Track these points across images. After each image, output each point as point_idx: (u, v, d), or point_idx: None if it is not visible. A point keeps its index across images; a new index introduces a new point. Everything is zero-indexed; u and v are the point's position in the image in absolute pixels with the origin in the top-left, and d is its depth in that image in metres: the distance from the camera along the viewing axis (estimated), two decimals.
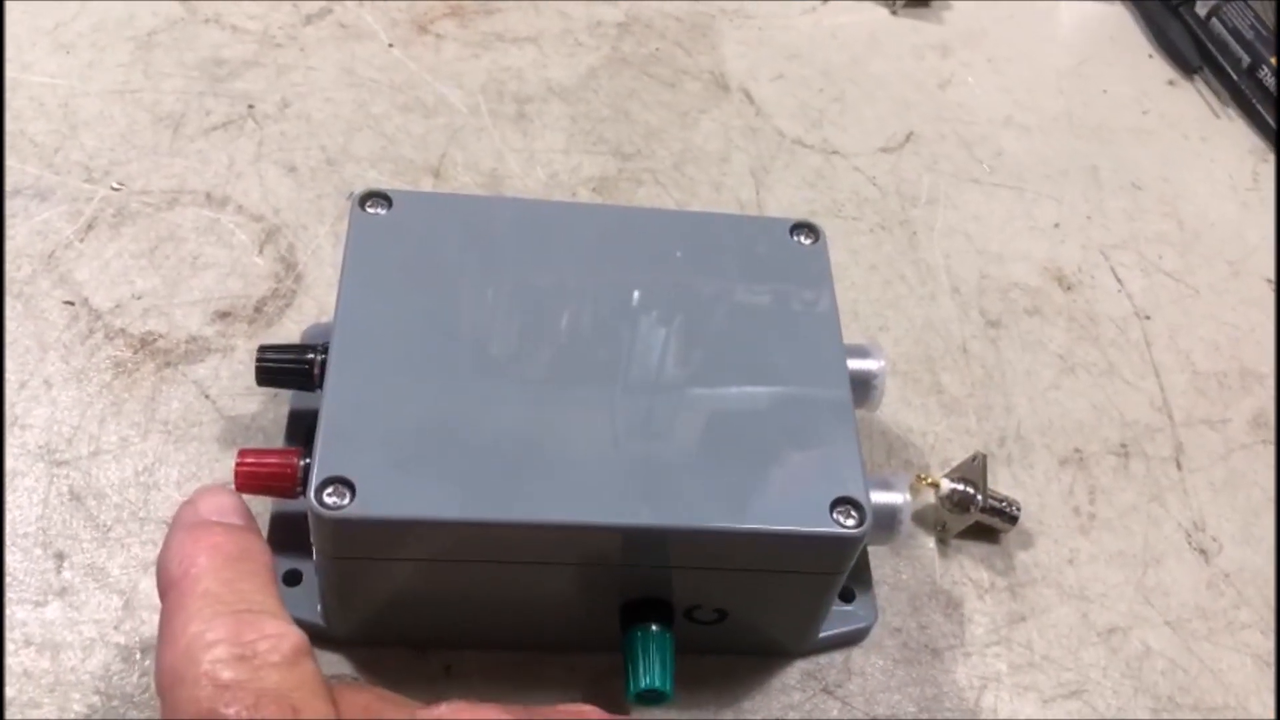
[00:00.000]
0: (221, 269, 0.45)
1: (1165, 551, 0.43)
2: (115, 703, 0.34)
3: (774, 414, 0.34)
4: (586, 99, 0.53)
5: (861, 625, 0.38)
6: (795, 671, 0.38)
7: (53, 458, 0.39)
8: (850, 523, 0.32)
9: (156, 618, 0.35)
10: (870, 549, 0.40)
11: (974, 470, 0.41)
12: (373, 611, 0.35)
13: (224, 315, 0.43)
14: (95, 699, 0.34)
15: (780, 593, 0.35)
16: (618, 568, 0.33)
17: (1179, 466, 0.45)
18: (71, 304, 0.43)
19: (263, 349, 0.37)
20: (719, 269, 0.38)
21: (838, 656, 0.38)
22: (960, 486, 0.41)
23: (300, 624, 0.35)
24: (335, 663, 0.36)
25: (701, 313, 0.36)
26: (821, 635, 0.38)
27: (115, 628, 0.36)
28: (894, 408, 0.45)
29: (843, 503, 0.32)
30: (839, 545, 0.32)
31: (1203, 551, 0.43)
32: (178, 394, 0.41)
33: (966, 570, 0.41)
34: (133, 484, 0.39)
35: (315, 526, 0.31)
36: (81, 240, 0.45)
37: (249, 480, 0.34)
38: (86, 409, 0.40)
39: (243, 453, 0.34)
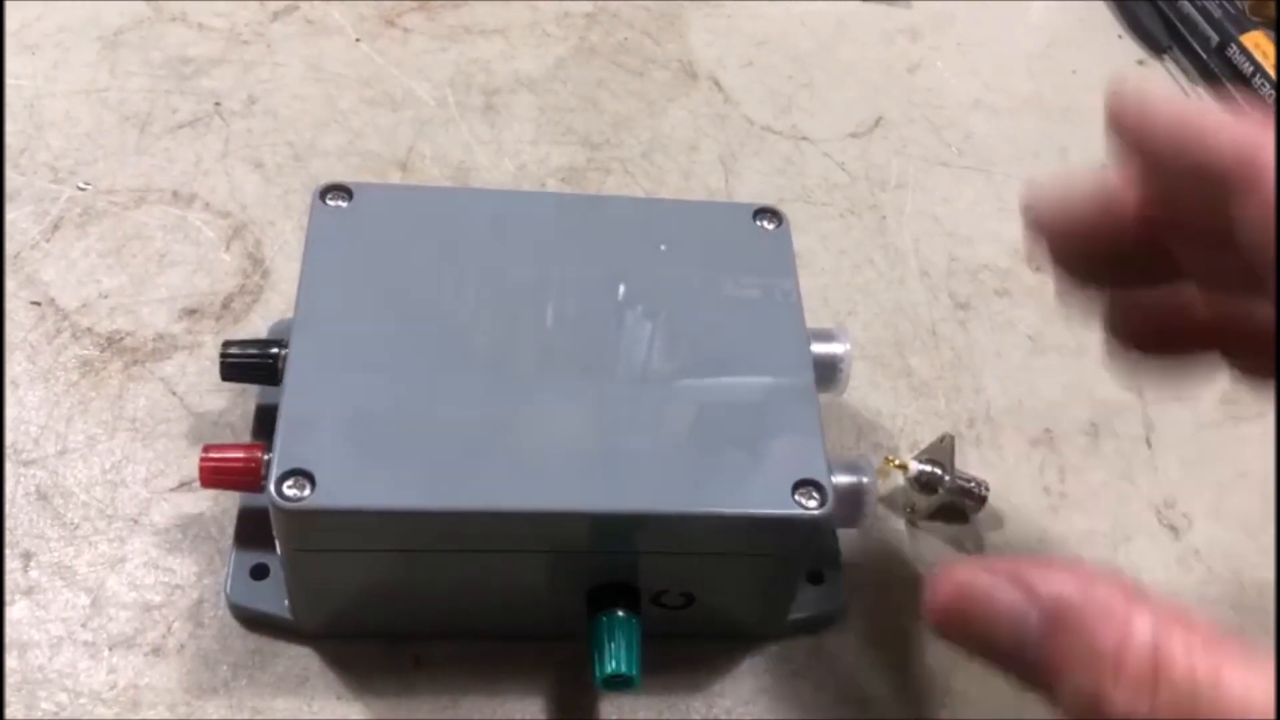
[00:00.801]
0: (188, 266, 0.45)
1: (1135, 529, 0.43)
2: (83, 700, 0.34)
3: (736, 398, 0.34)
4: (554, 90, 0.53)
5: (830, 608, 0.38)
6: (765, 655, 0.38)
7: (19, 457, 0.39)
8: (812, 504, 0.32)
9: (124, 614, 0.36)
10: (840, 532, 0.40)
11: (942, 451, 0.41)
12: (339, 604, 0.35)
13: (191, 312, 0.43)
14: (63, 696, 0.34)
15: (746, 576, 0.35)
16: (582, 554, 0.33)
17: (1149, 445, 0.45)
18: (38, 304, 0.43)
19: (226, 344, 0.37)
20: (681, 255, 0.38)
21: (808, 639, 0.38)
22: (928, 468, 0.41)
23: (268, 619, 0.36)
24: (304, 656, 0.36)
25: (663, 299, 0.36)
26: (791, 618, 0.38)
27: (83, 625, 0.36)
28: (863, 391, 0.45)
29: (805, 484, 0.32)
30: (801, 527, 0.32)
31: (1173, 528, 0.43)
32: (145, 391, 0.41)
33: (937, 551, 0.41)
34: (100, 482, 0.39)
35: (276, 519, 0.31)
36: (48, 240, 0.44)
37: (213, 476, 0.34)
38: (53, 408, 0.40)
39: (207, 448, 0.34)
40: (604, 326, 0.35)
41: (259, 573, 0.36)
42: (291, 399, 0.32)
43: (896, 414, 0.45)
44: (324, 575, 0.34)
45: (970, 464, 0.43)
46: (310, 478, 0.31)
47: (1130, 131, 0.28)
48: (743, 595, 0.36)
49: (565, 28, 0.56)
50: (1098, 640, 0.24)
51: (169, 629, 0.36)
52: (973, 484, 0.41)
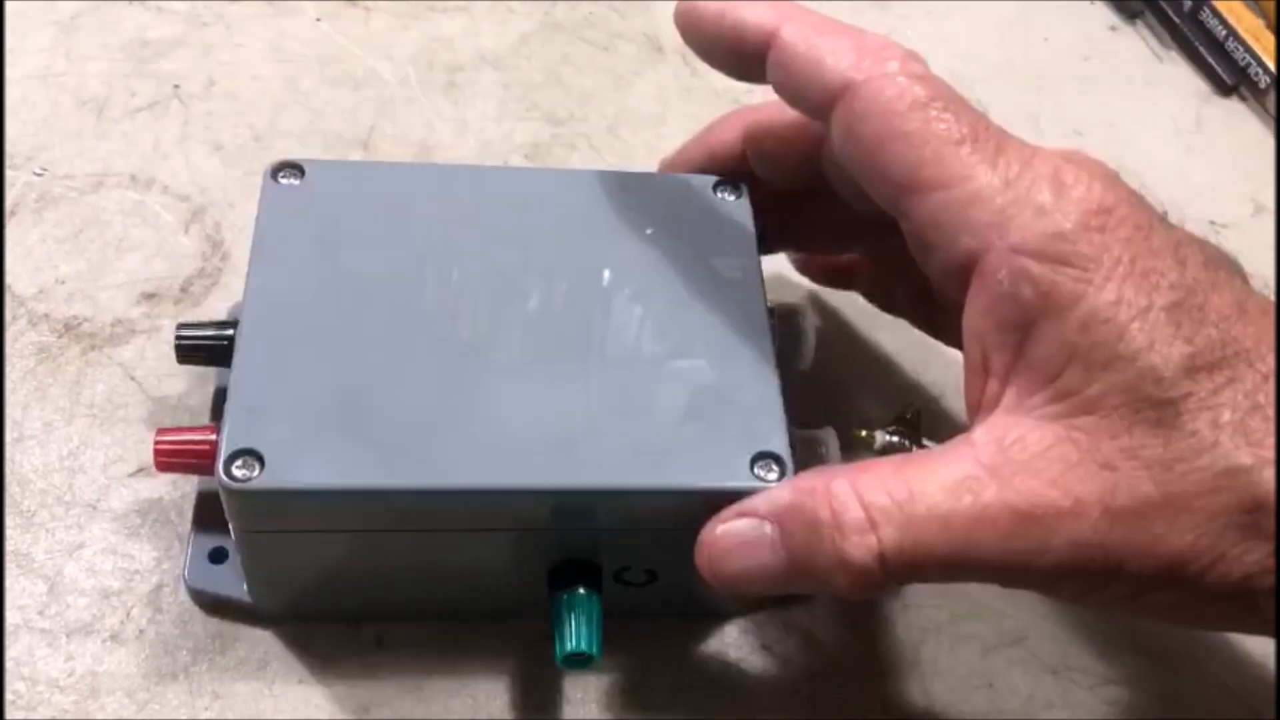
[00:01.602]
0: (147, 250, 0.44)
1: None
2: (40, 688, 0.34)
3: (694, 371, 0.34)
4: (518, 66, 0.53)
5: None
6: (732, 630, 0.38)
7: None
8: (772, 477, 0.32)
9: (82, 601, 0.35)
10: None
11: (909, 423, 0.41)
12: (296, 587, 0.35)
13: (150, 297, 0.43)
14: (20, 685, 0.34)
15: None
16: (540, 531, 0.33)
17: None
18: None
19: (181, 326, 0.37)
20: (640, 227, 0.37)
21: (775, 614, 0.38)
22: (895, 439, 0.40)
23: (227, 602, 0.35)
24: (265, 640, 0.36)
25: (621, 272, 0.36)
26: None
27: (40, 613, 0.35)
28: (832, 365, 0.45)
29: (764, 457, 0.32)
30: None
31: None
32: (103, 376, 0.40)
33: None
34: (57, 469, 0.38)
35: (226, 500, 0.31)
36: (3, 227, 0.44)
37: (168, 459, 0.34)
38: (10, 395, 0.39)
39: (160, 431, 0.34)
40: (560, 302, 0.35)
41: (217, 556, 0.36)
42: (240, 379, 0.32)
43: (864, 387, 0.44)
44: (278, 557, 0.33)
45: (939, 437, 0.43)
46: (260, 458, 0.30)
47: (688, 31, 0.34)
48: None
49: (529, 4, 0.56)
50: (816, 516, 0.29)
51: (128, 615, 0.36)
52: None
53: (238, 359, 0.32)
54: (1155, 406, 0.27)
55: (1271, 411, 0.27)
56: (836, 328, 0.46)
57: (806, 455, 0.36)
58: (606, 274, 0.36)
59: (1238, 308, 0.28)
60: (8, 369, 0.40)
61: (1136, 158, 0.54)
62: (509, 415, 0.32)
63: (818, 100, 0.31)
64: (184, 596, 0.36)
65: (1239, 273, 0.30)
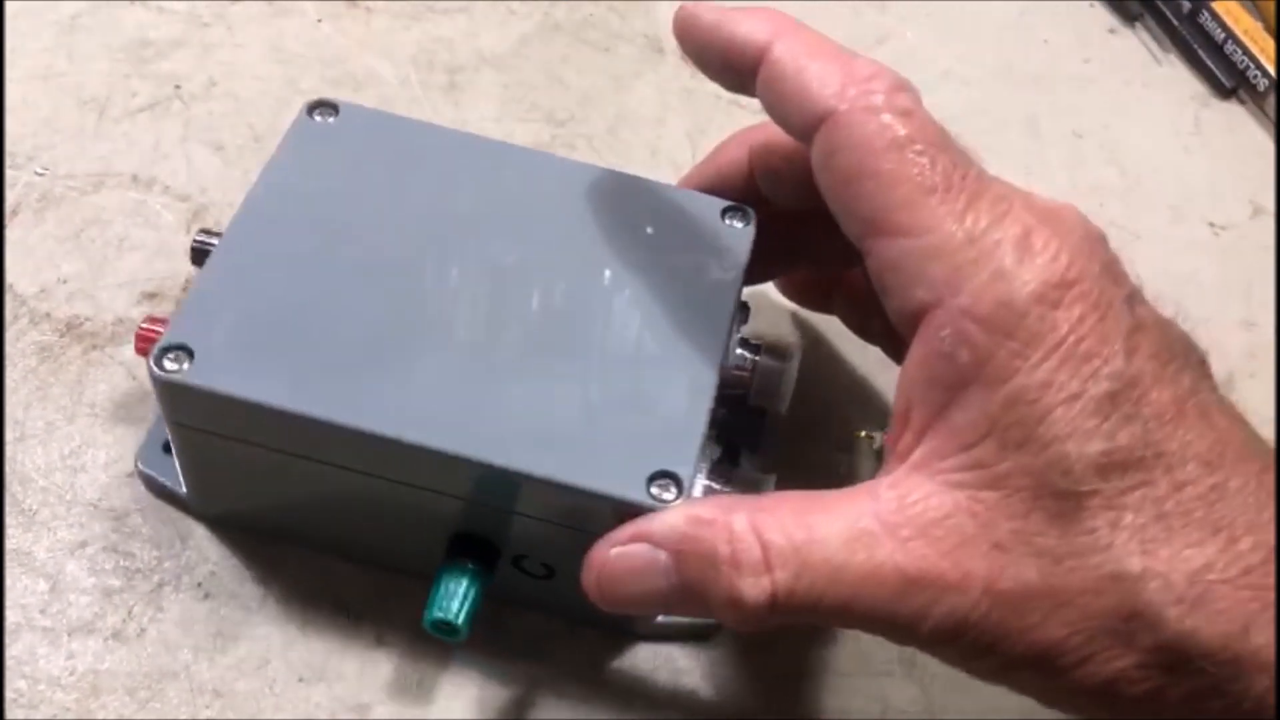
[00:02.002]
0: (148, 250, 0.44)
1: None
2: (41, 686, 0.34)
3: (632, 377, 0.34)
4: (519, 67, 0.53)
5: (705, 620, 0.37)
6: (729, 630, 0.38)
7: None
8: (667, 497, 0.31)
9: (84, 600, 0.36)
10: None
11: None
12: (216, 489, 0.36)
13: (151, 296, 0.43)
14: (21, 683, 0.34)
15: None
16: (439, 495, 0.33)
17: None
18: None
19: (201, 231, 0.38)
20: (634, 232, 0.37)
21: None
22: None
23: (168, 492, 0.38)
24: (265, 638, 0.36)
25: (598, 267, 0.36)
26: (662, 620, 0.37)
27: (41, 611, 0.35)
28: (831, 365, 0.45)
29: (664, 476, 0.31)
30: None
31: None
32: (105, 376, 0.41)
33: None
34: (59, 468, 0.38)
35: (154, 388, 0.32)
36: (5, 227, 0.44)
37: (142, 343, 0.35)
38: (11, 395, 0.40)
39: (148, 318, 0.36)
40: (528, 285, 0.35)
41: (171, 447, 0.37)
42: (204, 281, 0.34)
43: (865, 387, 0.44)
44: (199, 455, 0.35)
45: None
46: (191, 354, 0.32)
47: (684, 39, 0.34)
48: None
49: (529, 4, 0.56)
50: (714, 550, 0.29)
51: (129, 613, 0.36)
52: None
53: (208, 263, 0.34)
54: (1058, 497, 0.27)
55: (1175, 522, 0.27)
56: (832, 333, 0.46)
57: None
58: (582, 268, 0.36)
59: (1176, 407, 0.27)
60: (9, 369, 0.40)
61: (1135, 161, 0.54)
62: (436, 377, 0.33)
63: (800, 124, 0.30)
64: (185, 595, 0.36)
65: (1197, 364, 0.29)
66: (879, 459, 0.41)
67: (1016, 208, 0.28)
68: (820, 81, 0.30)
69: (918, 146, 0.29)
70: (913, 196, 0.28)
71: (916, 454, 0.29)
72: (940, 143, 0.29)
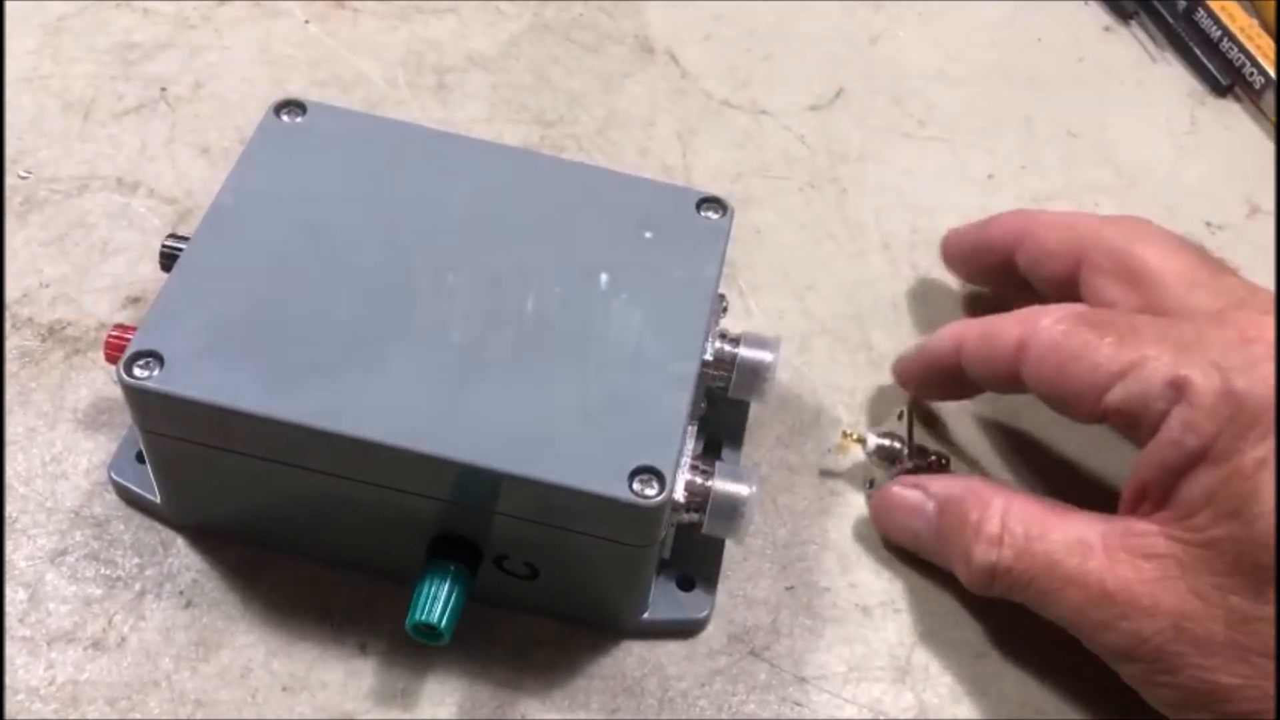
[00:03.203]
0: (132, 254, 0.44)
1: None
2: (20, 697, 0.34)
3: (610, 373, 0.33)
4: (508, 68, 0.53)
5: (693, 616, 0.37)
6: (721, 635, 0.37)
7: None
8: (650, 492, 0.31)
9: (64, 609, 0.35)
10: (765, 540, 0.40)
11: (900, 425, 0.41)
12: (189, 494, 0.36)
13: (135, 300, 0.42)
14: None
15: (586, 558, 0.34)
16: (417, 497, 0.33)
17: None
18: None
19: (170, 236, 0.37)
20: (609, 227, 0.37)
21: (765, 618, 0.38)
22: (886, 441, 0.40)
23: (139, 499, 0.37)
24: (248, 647, 0.35)
25: (572, 263, 0.36)
26: (648, 618, 0.36)
27: (20, 620, 0.35)
28: (823, 367, 0.44)
29: (646, 471, 0.31)
30: (634, 514, 0.31)
31: None
32: (87, 381, 0.40)
33: None
34: (40, 474, 0.38)
35: (125, 396, 0.32)
36: None
37: (111, 350, 0.35)
38: None
39: (117, 326, 0.35)
40: (500, 283, 0.35)
41: (144, 456, 0.36)
42: (171, 285, 0.33)
43: (856, 389, 0.44)
44: (174, 463, 0.34)
45: (930, 440, 0.43)
46: (161, 361, 0.31)
47: (952, 260, 0.45)
48: (585, 578, 0.35)
49: (518, 5, 0.55)
50: (967, 515, 0.36)
51: (110, 622, 0.35)
52: (933, 456, 0.40)
53: (176, 267, 0.34)
54: (1257, 569, 0.31)
55: None
56: (826, 327, 0.45)
57: (721, 502, 0.34)
58: (558, 266, 0.36)
59: None
60: None
61: (1130, 160, 0.54)
62: (412, 377, 0.32)
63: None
64: (167, 604, 0.36)
65: None
66: (872, 459, 0.40)
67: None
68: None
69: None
70: None
71: (1147, 507, 0.33)
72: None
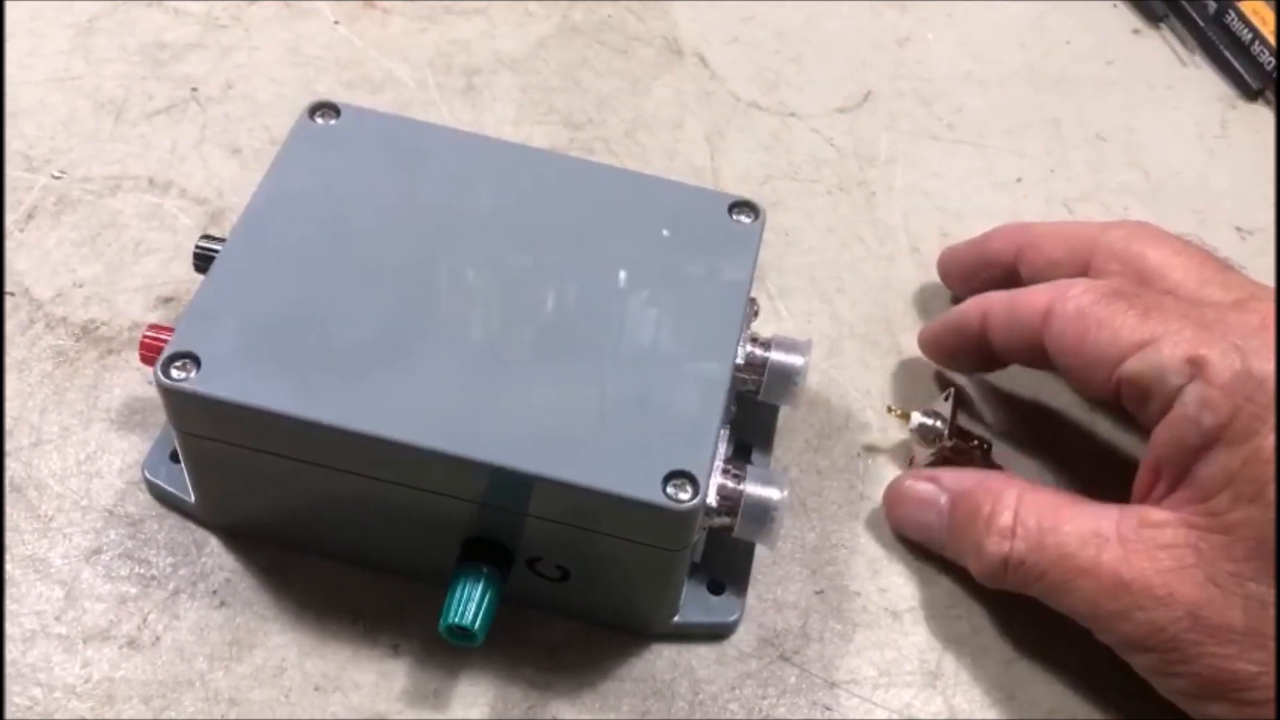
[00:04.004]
0: (164, 254, 0.44)
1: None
2: (57, 694, 0.34)
3: (642, 377, 0.33)
4: (536, 69, 0.53)
5: (723, 620, 0.37)
6: (751, 639, 0.37)
7: None
8: (683, 496, 0.31)
9: (99, 607, 0.35)
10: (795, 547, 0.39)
11: (945, 406, 0.41)
12: (224, 496, 0.36)
13: (167, 300, 0.43)
14: (36, 691, 0.34)
15: (618, 560, 0.34)
16: (451, 499, 0.33)
17: None
18: (12, 294, 0.42)
19: (204, 237, 0.37)
20: (641, 230, 0.37)
21: (795, 622, 0.38)
22: (929, 420, 0.40)
23: (174, 500, 0.37)
24: (281, 647, 0.35)
25: (605, 267, 0.36)
26: (678, 621, 0.36)
27: (56, 618, 0.35)
28: (852, 370, 0.44)
29: (680, 475, 0.31)
30: (667, 518, 0.31)
31: None
32: (120, 381, 0.40)
33: None
34: (75, 473, 0.38)
35: (161, 397, 0.32)
36: (22, 230, 0.44)
37: (147, 351, 0.35)
38: (27, 399, 0.39)
39: (152, 326, 0.36)
40: (535, 286, 0.35)
41: (179, 456, 0.36)
42: (208, 288, 0.34)
43: (886, 393, 0.44)
44: (209, 464, 0.34)
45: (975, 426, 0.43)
46: (198, 362, 0.31)
47: (950, 277, 0.46)
48: (616, 581, 0.35)
49: (547, 6, 0.55)
50: (979, 507, 0.36)
51: (144, 621, 0.35)
52: (975, 441, 0.40)
53: (212, 269, 0.34)
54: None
55: None
56: (855, 330, 0.45)
57: (752, 506, 0.34)
58: (591, 269, 0.36)
59: None
60: (26, 373, 0.40)
61: (1159, 164, 0.54)
62: (447, 380, 0.32)
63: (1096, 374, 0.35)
64: (200, 603, 0.36)
65: None
66: (914, 438, 0.40)
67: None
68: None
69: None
70: None
71: (1160, 490, 0.33)
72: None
